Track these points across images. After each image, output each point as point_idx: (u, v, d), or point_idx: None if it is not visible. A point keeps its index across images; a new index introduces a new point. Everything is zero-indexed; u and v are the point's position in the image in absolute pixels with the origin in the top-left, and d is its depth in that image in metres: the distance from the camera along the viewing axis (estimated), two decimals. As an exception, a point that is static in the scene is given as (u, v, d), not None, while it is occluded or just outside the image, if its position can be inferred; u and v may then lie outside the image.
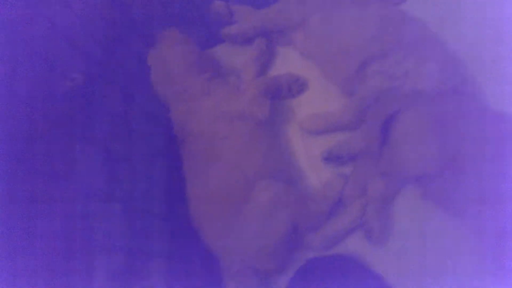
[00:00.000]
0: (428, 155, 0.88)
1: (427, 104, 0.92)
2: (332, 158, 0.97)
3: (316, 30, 1.05)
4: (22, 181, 1.00)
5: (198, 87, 1.00)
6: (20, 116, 1.03)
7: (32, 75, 1.05)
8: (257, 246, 0.89)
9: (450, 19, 1.08)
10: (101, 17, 1.12)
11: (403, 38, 0.98)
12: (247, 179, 0.91)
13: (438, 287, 0.85)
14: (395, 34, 0.99)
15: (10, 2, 1.03)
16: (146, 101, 1.07)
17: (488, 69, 1.04)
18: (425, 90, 0.94)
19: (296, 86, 1.06)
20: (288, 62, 1.10)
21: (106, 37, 1.12)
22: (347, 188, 0.94)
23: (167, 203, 0.99)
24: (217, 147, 0.94)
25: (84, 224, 0.98)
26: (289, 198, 0.90)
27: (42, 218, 0.97)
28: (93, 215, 0.99)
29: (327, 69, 1.05)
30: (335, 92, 1.04)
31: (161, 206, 0.98)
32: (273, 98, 1.02)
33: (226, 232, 0.90)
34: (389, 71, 0.96)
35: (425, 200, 0.92)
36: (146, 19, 1.17)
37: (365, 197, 0.92)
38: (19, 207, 0.97)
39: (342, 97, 1.02)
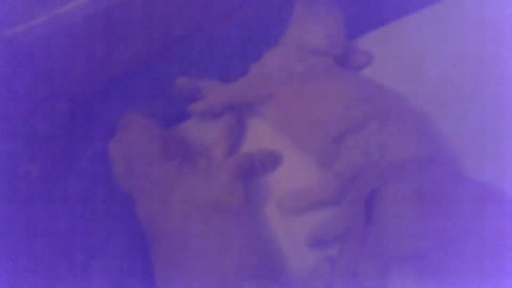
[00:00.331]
0: (414, 231, 0.83)
1: (406, 177, 0.87)
2: (316, 242, 0.90)
3: (286, 102, 1.00)
4: (22, 181, 1.00)
5: (165, 176, 0.89)
6: (20, 116, 1.04)
7: (32, 76, 1.05)
8: None
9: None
10: (57, 110, 1.08)
11: (373, 110, 0.93)
12: (227, 282, 0.79)
13: (438, 287, 0.85)
14: (365, 106, 0.93)
15: (10, 2, 1.03)
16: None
17: (488, 70, 1.04)
18: (402, 163, 0.88)
19: (270, 162, 0.98)
20: (259, 135, 1.04)
21: (65, 134, 1.06)
22: (335, 273, 0.86)
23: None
24: (190, 247, 0.82)
25: (84, 224, 0.98)
26: None
27: (42, 218, 0.97)
28: (93, 215, 0.99)
29: (300, 141, 0.99)
30: (311, 165, 0.97)
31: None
32: (247, 178, 0.94)
33: None
34: (363, 146, 0.90)
35: (419, 278, 0.86)
36: (106, 103, 1.11)
37: (355, 283, 0.85)
38: (19, 207, 0.97)
39: (319, 170, 0.96)
